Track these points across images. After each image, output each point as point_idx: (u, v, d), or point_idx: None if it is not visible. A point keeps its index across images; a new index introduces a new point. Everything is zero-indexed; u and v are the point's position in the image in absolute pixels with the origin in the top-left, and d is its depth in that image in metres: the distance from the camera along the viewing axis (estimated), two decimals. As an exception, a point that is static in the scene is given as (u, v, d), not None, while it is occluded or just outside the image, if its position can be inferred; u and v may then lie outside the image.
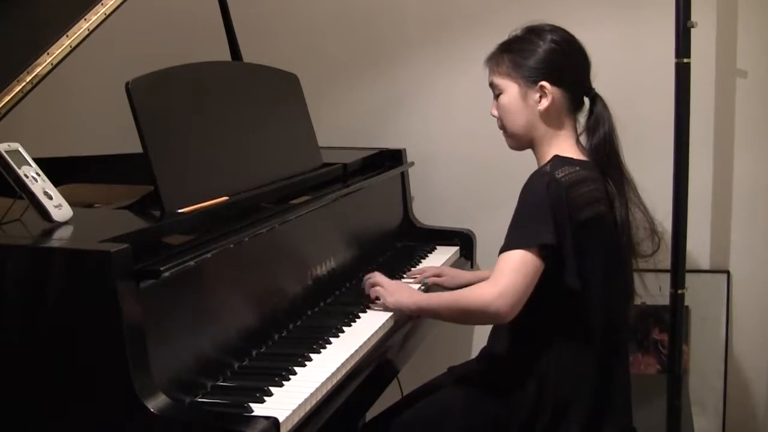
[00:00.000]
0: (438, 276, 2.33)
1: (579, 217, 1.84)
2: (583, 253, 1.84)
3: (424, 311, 2.02)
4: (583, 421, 1.86)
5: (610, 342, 1.91)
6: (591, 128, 1.94)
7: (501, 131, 2.01)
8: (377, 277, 2.12)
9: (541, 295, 1.85)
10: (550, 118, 1.93)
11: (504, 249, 1.84)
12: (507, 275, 1.81)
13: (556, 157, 1.90)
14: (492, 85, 1.99)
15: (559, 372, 1.87)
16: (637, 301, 2.05)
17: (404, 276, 2.37)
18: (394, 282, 2.13)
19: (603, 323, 1.89)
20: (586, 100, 1.97)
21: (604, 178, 1.91)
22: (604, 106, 1.95)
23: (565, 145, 1.94)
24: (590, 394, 1.87)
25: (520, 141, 1.99)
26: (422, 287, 2.28)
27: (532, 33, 1.95)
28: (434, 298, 2.03)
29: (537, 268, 1.82)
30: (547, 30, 1.95)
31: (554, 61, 1.92)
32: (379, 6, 2.97)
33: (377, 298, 2.09)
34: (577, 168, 1.88)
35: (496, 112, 2.00)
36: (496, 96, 1.99)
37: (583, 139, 1.97)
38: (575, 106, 1.96)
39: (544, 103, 1.92)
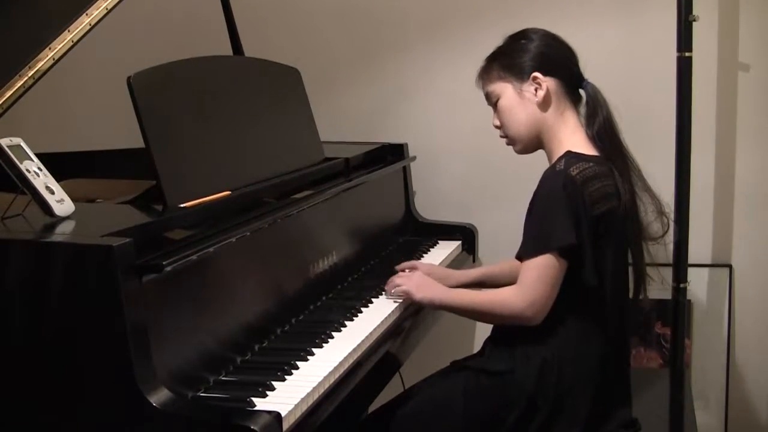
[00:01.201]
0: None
1: (594, 213, 1.84)
2: (597, 248, 1.85)
3: (450, 308, 2.03)
4: (584, 412, 1.86)
5: (614, 332, 1.91)
6: (589, 115, 1.95)
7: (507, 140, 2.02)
8: (400, 278, 2.12)
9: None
10: (550, 108, 1.94)
11: (526, 254, 1.86)
12: (534, 285, 1.84)
13: (569, 153, 1.89)
14: (488, 96, 2.02)
15: (562, 363, 1.87)
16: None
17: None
18: (418, 277, 2.12)
19: (609, 314, 1.89)
20: (583, 94, 1.97)
21: (613, 172, 1.90)
22: (599, 92, 1.95)
23: (575, 139, 1.94)
24: (593, 384, 1.88)
25: (528, 142, 1.99)
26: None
27: (515, 38, 1.99)
28: (465, 298, 2.02)
29: (561, 269, 1.84)
30: (529, 31, 1.99)
31: (542, 53, 1.95)
32: (381, 0, 2.96)
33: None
34: (591, 164, 1.87)
35: (497, 122, 2.02)
36: (495, 104, 2.00)
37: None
38: (573, 98, 1.97)
39: (540, 93, 1.93)
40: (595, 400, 1.88)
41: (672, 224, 2.03)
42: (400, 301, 2.10)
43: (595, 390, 1.88)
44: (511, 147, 2.04)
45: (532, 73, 1.93)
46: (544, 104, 1.94)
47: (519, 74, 1.95)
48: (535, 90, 1.94)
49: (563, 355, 1.87)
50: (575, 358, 1.87)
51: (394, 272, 2.21)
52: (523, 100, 1.95)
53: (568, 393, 1.86)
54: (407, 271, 2.21)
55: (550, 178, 1.88)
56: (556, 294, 1.85)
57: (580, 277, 1.85)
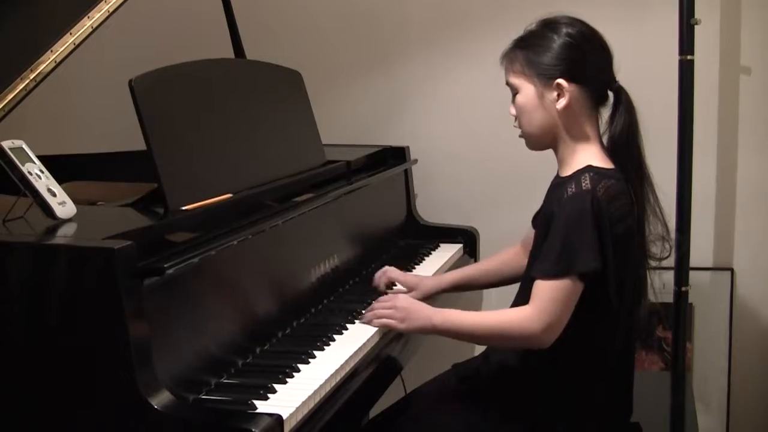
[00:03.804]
0: (394, 284, 2.22)
1: (615, 231, 1.77)
2: (617, 269, 1.78)
3: (447, 333, 1.89)
4: (590, 419, 1.86)
5: (621, 342, 1.89)
6: (611, 122, 1.85)
7: (518, 131, 1.92)
8: (382, 308, 1.97)
9: None
10: (570, 117, 1.84)
11: (544, 274, 1.77)
12: (551, 307, 1.75)
13: (591, 169, 1.80)
14: (508, 84, 1.90)
15: (571, 385, 1.85)
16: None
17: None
18: (402, 304, 1.95)
19: (618, 325, 1.85)
20: (610, 94, 1.87)
21: (629, 188, 1.83)
22: (628, 99, 1.86)
23: (591, 150, 1.85)
24: (598, 391, 1.87)
25: (539, 142, 1.90)
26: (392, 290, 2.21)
27: (547, 27, 1.86)
28: (464, 320, 1.88)
29: (579, 291, 1.77)
30: (562, 23, 1.86)
31: (570, 56, 1.83)
32: (383, 3, 2.97)
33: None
34: (613, 181, 1.79)
35: (514, 111, 1.91)
36: (513, 95, 1.90)
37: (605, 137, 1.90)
38: (597, 103, 1.87)
39: (562, 102, 1.82)
40: (601, 404, 1.87)
41: (674, 251, 1.97)
42: None
43: (603, 392, 1.87)
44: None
45: (557, 78, 1.82)
46: (564, 111, 1.83)
47: (543, 76, 1.83)
48: (557, 96, 1.83)
49: (572, 377, 1.85)
50: (581, 364, 1.86)
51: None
52: (542, 103, 1.84)
53: (574, 398, 1.85)
54: (389, 292, 2.15)
55: (576, 197, 1.77)
56: (569, 316, 1.77)
57: (594, 299, 1.78)
